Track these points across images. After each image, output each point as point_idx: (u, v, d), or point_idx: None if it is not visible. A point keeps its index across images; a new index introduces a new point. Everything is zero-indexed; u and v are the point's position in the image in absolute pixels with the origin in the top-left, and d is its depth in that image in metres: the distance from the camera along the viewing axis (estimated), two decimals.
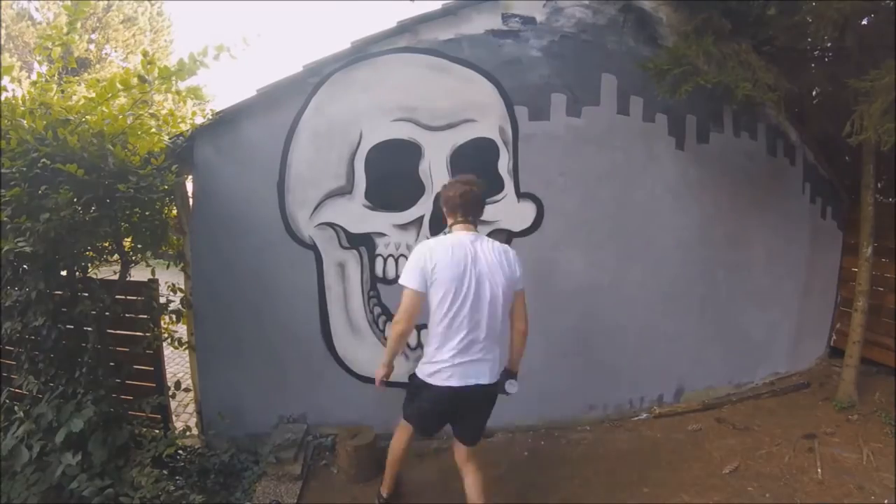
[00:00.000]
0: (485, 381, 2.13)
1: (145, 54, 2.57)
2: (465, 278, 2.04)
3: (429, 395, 2.17)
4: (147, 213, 2.79)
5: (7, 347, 2.68)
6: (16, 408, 2.48)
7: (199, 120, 3.04)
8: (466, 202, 2.16)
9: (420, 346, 3.22)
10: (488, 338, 2.12)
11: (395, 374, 3.18)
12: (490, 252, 2.12)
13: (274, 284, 3.10)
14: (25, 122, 2.32)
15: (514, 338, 2.24)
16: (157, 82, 2.55)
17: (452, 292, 2.04)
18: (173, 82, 2.59)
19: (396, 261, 3.15)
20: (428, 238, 3.13)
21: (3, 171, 2.20)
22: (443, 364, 2.10)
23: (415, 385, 2.26)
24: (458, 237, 2.12)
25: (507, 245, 2.21)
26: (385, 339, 3.21)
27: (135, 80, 2.51)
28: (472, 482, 2.26)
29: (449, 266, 2.04)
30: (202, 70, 2.62)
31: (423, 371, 2.19)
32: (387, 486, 2.55)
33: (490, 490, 2.36)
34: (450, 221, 2.21)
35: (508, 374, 2.26)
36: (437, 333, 2.11)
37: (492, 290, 2.08)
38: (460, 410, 2.21)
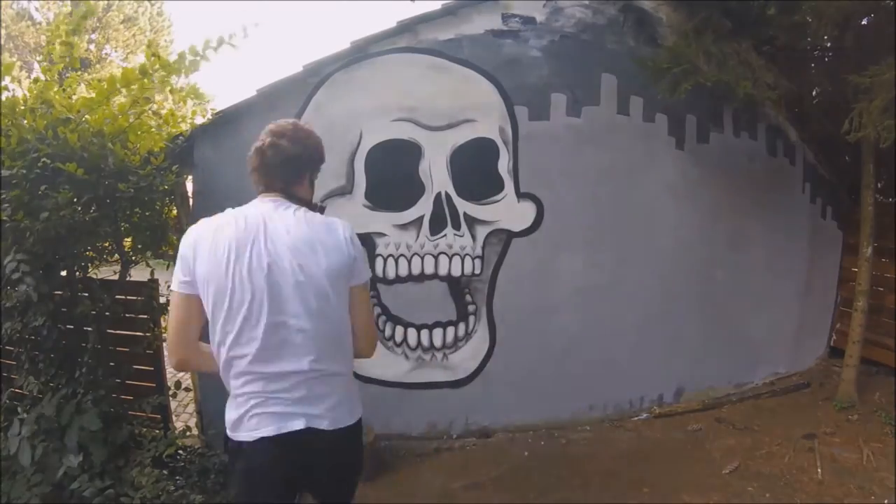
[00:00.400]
0: (323, 424, 1.32)
1: (150, 45, 2.56)
2: (231, 271, 1.26)
3: (241, 461, 1.35)
4: (147, 213, 2.80)
5: (7, 347, 2.68)
6: (18, 408, 2.48)
7: (199, 120, 3.04)
8: (265, 162, 1.43)
9: (420, 345, 3.22)
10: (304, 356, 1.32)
11: (394, 373, 3.25)
12: (297, 227, 1.33)
13: None
14: (26, 121, 2.32)
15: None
16: (158, 76, 2.53)
17: (216, 294, 1.28)
18: (176, 78, 2.58)
19: (396, 261, 3.15)
20: (429, 239, 3.14)
21: (3, 171, 2.20)
22: (241, 402, 1.32)
23: (228, 454, 1.41)
24: (243, 210, 1.39)
25: (336, 219, 1.42)
26: (385, 339, 3.21)
27: (137, 75, 2.50)
28: None
29: (209, 255, 1.29)
30: (203, 65, 2.60)
31: (227, 421, 1.36)
32: None
33: None
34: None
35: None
36: (221, 360, 1.33)
37: (298, 286, 1.29)
38: (301, 474, 1.38)
